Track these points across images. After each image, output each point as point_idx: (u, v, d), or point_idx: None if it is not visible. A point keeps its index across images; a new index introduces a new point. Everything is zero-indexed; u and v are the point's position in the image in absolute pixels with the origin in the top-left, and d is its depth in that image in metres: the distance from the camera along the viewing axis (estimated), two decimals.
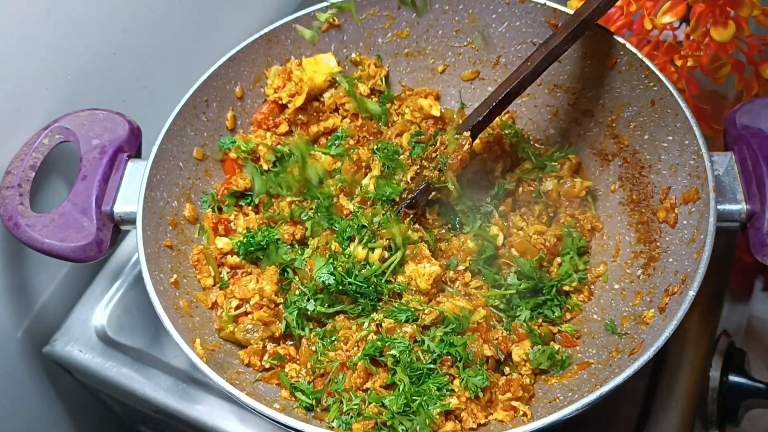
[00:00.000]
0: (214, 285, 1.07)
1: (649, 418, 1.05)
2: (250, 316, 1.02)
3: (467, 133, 1.04)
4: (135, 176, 1.04)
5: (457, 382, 0.94)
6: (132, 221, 1.01)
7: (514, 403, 0.92)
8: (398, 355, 0.94)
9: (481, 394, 0.92)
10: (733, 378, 1.10)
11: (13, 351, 1.20)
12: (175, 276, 1.02)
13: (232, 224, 1.11)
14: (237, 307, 1.02)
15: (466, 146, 1.03)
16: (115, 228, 1.04)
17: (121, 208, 1.03)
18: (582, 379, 0.94)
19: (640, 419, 1.06)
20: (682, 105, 0.99)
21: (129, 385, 1.14)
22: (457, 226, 1.09)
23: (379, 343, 0.95)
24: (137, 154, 1.10)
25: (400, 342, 0.95)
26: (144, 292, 0.95)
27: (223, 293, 1.05)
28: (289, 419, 0.85)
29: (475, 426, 0.92)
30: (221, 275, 1.08)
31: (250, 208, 1.14)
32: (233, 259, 1.08)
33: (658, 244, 1.02)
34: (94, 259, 1.01)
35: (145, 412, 1.23)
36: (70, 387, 1.33)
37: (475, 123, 1.04)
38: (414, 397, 0.91)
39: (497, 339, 0.98)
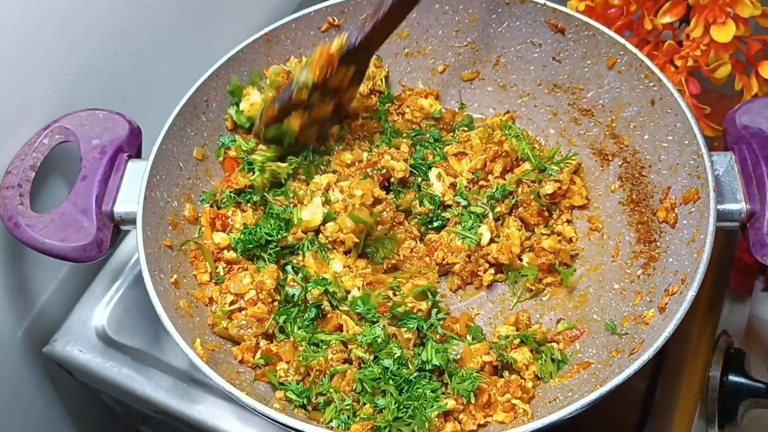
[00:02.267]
0: (210, 280, 1.07)
1: (649, 418, 1.05)
2: (244, 312, 1.02)
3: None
4: (135, 176, 1.04)
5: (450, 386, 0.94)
6: (132, 221, 1.01)
7: (514, 401, 0.92)
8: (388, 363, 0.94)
9: (473, 399, 0.92)
10: (733, 378, 1.10)
11: (13, 351, 1.20)
12: (175, 276, 1.02)
13: (229, 220, 1.11)
14: (231, 303, 1.02)
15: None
16: (115, 228, 1.04)
17: (121, 208, 1.03)
18: (582, 379, 0.94)
19: (640, 419, 1.06)
20: (682, 105, 0.99)
21: (129, 385, 1.14)
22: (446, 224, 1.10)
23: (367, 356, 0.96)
24: (137, 154, 1.10)
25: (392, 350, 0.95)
26: (144, 292, 0.94)
27: (218, 288, 1.05)
28: (289, 419, 0.85)
29: (475, 427, 0.92)
30: (217, 270, 1.08)
31: (248, 205, 1.14)
32: (230, 255, 1.08)
33: (658, 244, 1.02)
34: (94, 259, 1.01)
35: (145, 412, 1.23)
36: (70, 387, 1.33)
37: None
38: (408, 402, 0.91)
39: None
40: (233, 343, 1.02)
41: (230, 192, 1.13)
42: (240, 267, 1.08)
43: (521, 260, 1.08)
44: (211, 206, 1.12)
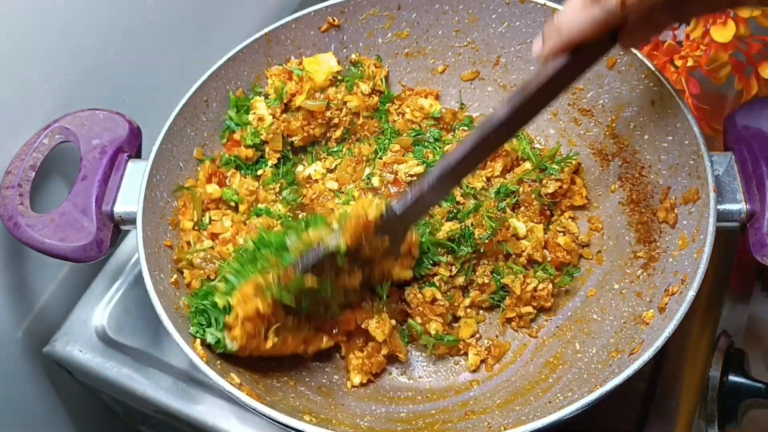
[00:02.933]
0: (192, 228, 1.09)
1: (649, 418, 1.05)
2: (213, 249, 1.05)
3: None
4: (135, 176, 1.04)
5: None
6: (132, 221, 1.01)
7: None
8: None
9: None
10: (733, 378, 1.10)
11: (13, 351, 1.20)
12: (175, 276, 1.02)
13: (227, 180, 1.13)
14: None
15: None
16: (115, 228, 1.04)
17: (121, 208, 1.03)
18: (582, 379, 0.94)
19: (640, 419, 1.06)
20: (682, 105, 0.99)
21: (129, 385, 1.14)
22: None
23: None
24: (137, 154, 1.10)
25: None
26: (144, 292, 0.94)
27: (198, 234, 1.07)
28: (290, 419, 0.85)
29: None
30: (203, 218, 1.10)
31: (249, 177, 1.15)
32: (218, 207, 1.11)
33: (658, 244, 1.02)
34: (94, 259, 1.01)
35: (145, 412, 1.23)
36: (70, 387, 1.33)
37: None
38: None
39: None
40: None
41: (231, 156, 1.14)
42: (225, 214, 1.11)
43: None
44: (212, 162, 1.14)
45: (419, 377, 1.05)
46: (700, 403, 1.08)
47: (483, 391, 1.01)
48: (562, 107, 1.18)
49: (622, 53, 1.06)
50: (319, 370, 1.05)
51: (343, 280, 0.96)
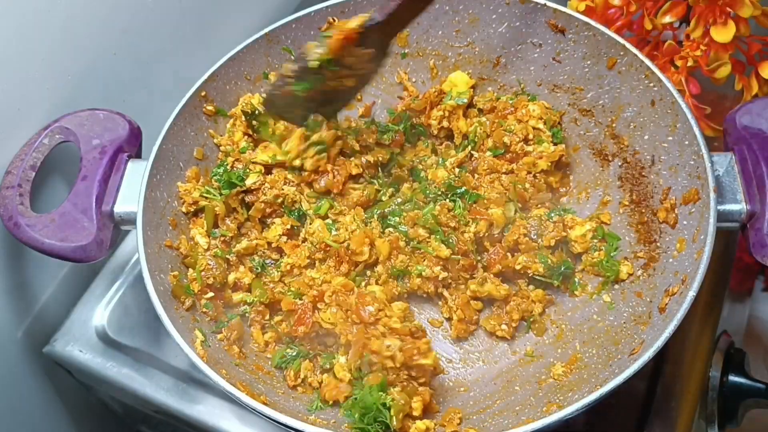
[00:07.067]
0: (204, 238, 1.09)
1: (649, 418, 1.05)
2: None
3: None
4: (135, 176, 1.04)
5: None
6: (132, 221, 1.01)
7: None
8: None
9: None
10: (733, 378, 1.10)
11: (13, 351, 1.20)
12: (175, 276, 1.02)
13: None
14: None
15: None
16: (115, 228, 1.04)
17: (121, 208, 1.03)
18: (582, 379, 0.94)
19: (640, 419, 1.06)
20: (682, 105, 0.99)
21: (129, 385, 1.14)
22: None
23: None
24: (137, 154, 1.10)
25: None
26: (144, 292, 0.95)
27: (207, 240, 1.09)
28: (289, 419, 0.85)
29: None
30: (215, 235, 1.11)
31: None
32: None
33: (658, 244, 1.02)
34: (95, 259, 1.01)
35: (145, 412, 1.23)
36: (70, 387, 1.33)
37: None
38: None
39: None
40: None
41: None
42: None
43: None
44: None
45: None
46: (700, 403, 1.08)
47: (483, 392, 1.01)
48: (562, 107, 1.18)
49: (622, 53, 1.06)
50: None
51: (332, 84, 1.03)
